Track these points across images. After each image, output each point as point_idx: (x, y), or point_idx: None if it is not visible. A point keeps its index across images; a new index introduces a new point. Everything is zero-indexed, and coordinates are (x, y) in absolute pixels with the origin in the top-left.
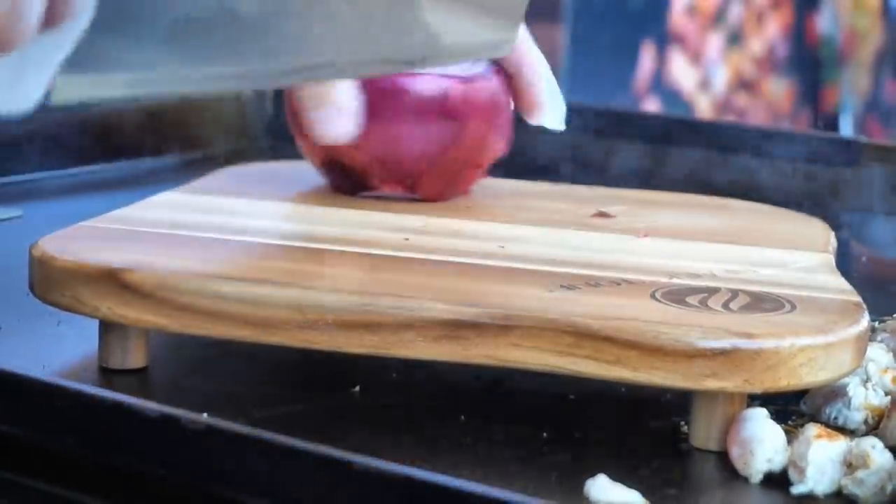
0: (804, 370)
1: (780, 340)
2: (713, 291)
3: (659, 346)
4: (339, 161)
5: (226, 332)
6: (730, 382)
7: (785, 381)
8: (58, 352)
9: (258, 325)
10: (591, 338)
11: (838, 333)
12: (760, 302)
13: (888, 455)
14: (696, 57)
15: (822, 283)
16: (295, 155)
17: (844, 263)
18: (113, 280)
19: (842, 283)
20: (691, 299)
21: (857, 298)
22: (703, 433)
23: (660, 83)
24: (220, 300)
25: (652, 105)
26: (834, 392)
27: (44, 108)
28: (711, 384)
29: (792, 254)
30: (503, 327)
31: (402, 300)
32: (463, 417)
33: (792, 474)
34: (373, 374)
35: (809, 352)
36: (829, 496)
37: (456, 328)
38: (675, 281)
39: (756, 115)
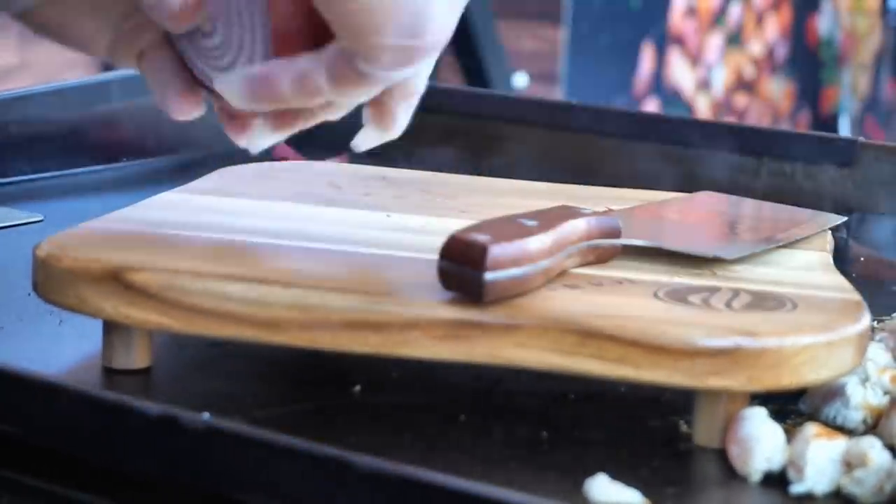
0: (806, 368)
1: (783, 339)
2: (715, 290)
3: (662, 344)
4: None
5: (231, 333)
6: (733, 381)
7: (787, 379)
8: (60, 352)
9: (263, 325)
10: (594, 337)
11: (840, 332)
12: (762, 301)
13: (887, 454)
14: (695, 58)
15: (822, 282)
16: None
17: (843, 263)
18: (118, 280)
19: (841, 281)
20: (693, 298)
21: (858, 297)
22: (706, 431)
23: (660, 84)
24: (225, 300)
25: (652, 105)
26: (833, 391)
27: (43, 110)
28: (714, 382)
29: (790, 253)
30: (507, 327)
31: (407, 300)
32: (463, 417)
33: (791, 473)
34: (373, 373)
35: (811, 350)
36: (827, 495)
37: (460, 328)
38: (677, 280)
39: (756, 116)
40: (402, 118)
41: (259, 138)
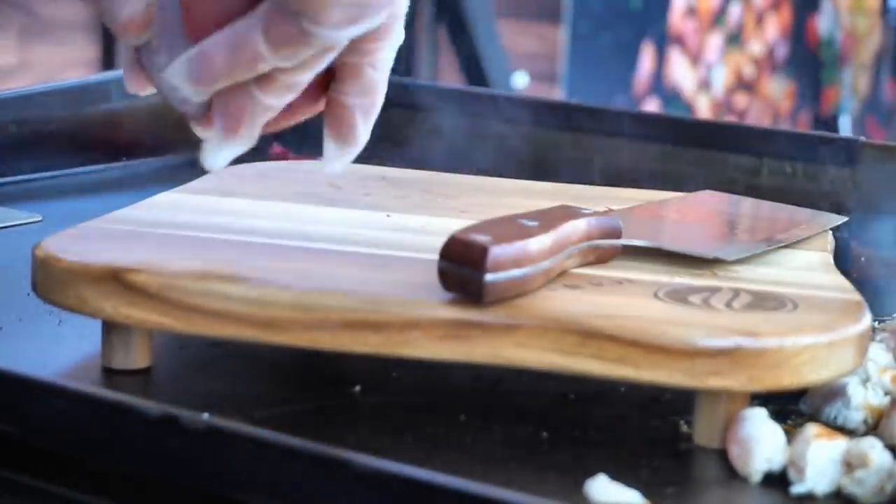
0: (807, 368)
1: (783, 339)
2: (715, 290)
3: (662, 344)
4: None
5: (232, 333)
6: (733, 381)
7: (788, 379)
8: (60, 352)
9: (263, 325)
10: (595, 337)
11: (840, 332)
12: (762, 301)
13: (887, 455)
14: (695, 58)
15: (822, 282)
16: (295, 155)
17: (844, 263)
18: (118, 280)
19: (842, 281)
20: (694, 298)
21: (858, 297)
22: (706, 431)
23: (660, 84)
24: (225, 301)
25: (652, 105)
26: (833, 392)
27: (43, 110)
28: (715, 383)
29: (791, 253)
30: (508, 327)
31: (407, 300)
32: (463, 417)
33: (791, 474)
34: (373, 373)
35: (812, 350)
36: (828, 496)
37: (460, 328)
38: (677, 280)
39: (756, 116)
40: (361, 126)
41: (213, 152)
